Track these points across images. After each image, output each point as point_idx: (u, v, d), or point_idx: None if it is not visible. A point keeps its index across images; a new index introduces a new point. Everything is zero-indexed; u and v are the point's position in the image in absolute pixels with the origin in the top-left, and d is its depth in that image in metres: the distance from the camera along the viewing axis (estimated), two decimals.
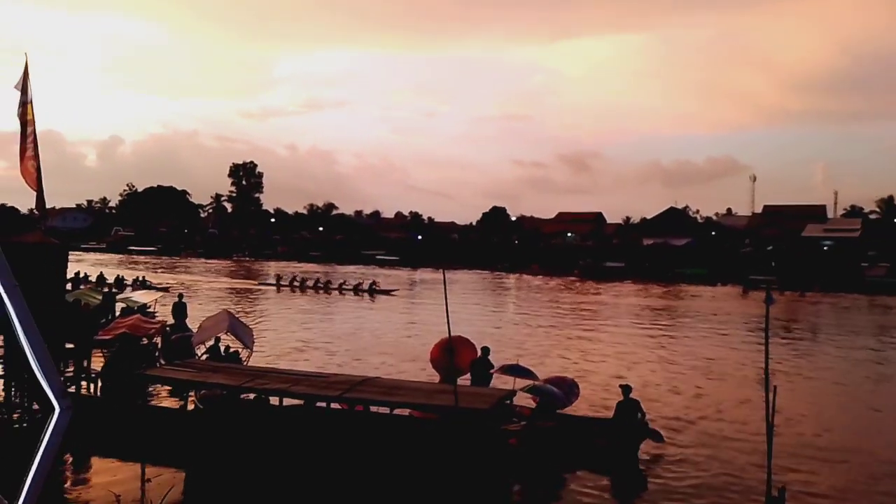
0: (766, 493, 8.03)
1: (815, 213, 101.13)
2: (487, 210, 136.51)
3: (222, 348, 16.62)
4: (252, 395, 12.30)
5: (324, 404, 11.12)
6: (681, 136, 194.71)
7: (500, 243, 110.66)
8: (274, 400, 11.66)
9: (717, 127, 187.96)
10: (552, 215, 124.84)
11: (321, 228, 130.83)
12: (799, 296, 58.09)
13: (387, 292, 49.65)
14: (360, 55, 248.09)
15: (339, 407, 11.24)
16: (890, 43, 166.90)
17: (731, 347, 27.26)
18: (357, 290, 49.57)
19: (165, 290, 43.02)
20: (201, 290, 47.29)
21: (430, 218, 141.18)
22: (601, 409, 14.74)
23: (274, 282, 54.30)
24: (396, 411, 11.31)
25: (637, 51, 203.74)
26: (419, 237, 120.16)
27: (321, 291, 50.10)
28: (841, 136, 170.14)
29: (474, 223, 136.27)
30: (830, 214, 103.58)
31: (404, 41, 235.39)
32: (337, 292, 49.41)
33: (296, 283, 52.90)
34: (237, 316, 19.17)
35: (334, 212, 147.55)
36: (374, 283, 51.19)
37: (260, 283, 55.41)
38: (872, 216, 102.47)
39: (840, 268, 76.45)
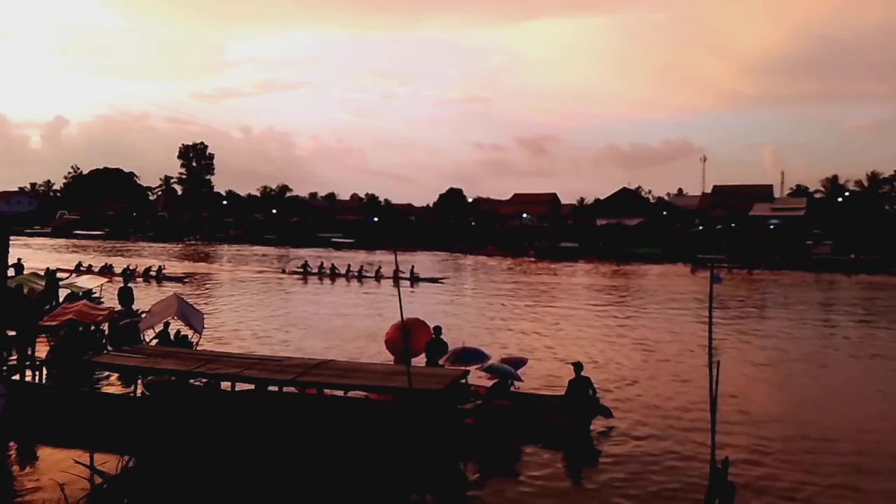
0: (710, 464, 8.28)
1: (763, 192, 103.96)
2: (445, 192, 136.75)
3: (172, 333, 16.33)
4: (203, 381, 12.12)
5: (276, 388, 11.03)
6: (638, 120, 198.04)
7: (457, 225, 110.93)
8: (226, 385, 11.52)
9: (673, 110, 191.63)
10: (510, 197, 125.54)
11: (275, 211, 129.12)
12: (747, 273, 59.77)
13: (434, 280, 46.62)
14: (318, 36, 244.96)
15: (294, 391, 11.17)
16: (841, 27, 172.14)
17: (677, 325, 27.92)
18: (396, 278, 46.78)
19: (182, 280, 41.78)
20: (224, 280, 45.51)
21: (386, 200, 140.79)
22: (554, 387, 14.97)
23: (300, 269, 51.38)
24: (351, 394, 11.29)
25: (596, 34, 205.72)
26: (375, 219, 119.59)
27: (353, 280, 46.97)
28: (791, 118, 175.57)
29: (431, 205, 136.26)
30: (777, 194, 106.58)
31: (362, 22, 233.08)
32: (374, 280, 46.29)
33: (325, 271, 50.03)
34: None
35: (288, 194, 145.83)
36: (412, 270, 47.61)
37: (284, 270, 52.49)
38: (817, 195, 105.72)
39: (786, 246, 78.92)
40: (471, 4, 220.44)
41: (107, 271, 42.50)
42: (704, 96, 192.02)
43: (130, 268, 42.92)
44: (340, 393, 11.20)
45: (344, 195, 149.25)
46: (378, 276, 46.76)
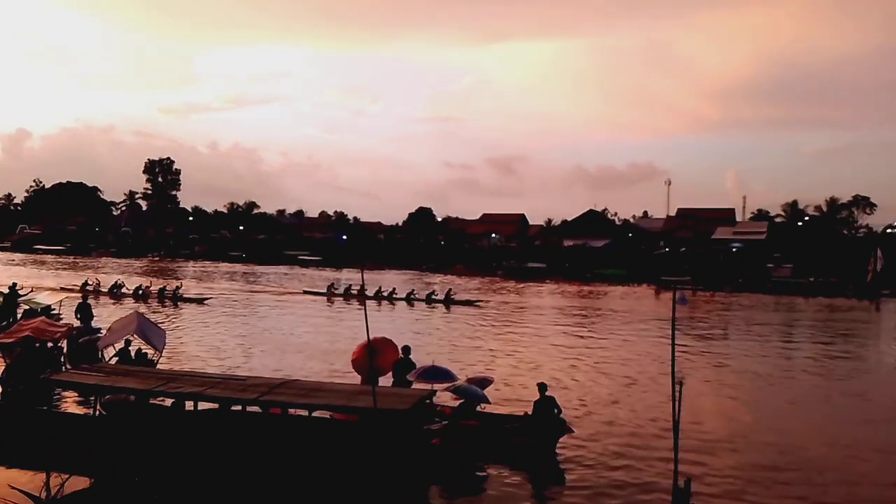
0: (672, 484, 8.38)
1: (725, 216, 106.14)
2: (414, 211, 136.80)
3: (133, 351, 16.01)
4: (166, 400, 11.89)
5: (239, 408, 10.87)
6: (605, 142, 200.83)
7: (426, 243, 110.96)
8: (189, 404, 11.32)
9: (639, 134, 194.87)
10: (478, 217, 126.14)
11: (241, 228, 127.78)
12: (710, 296, 60.73)
13: (469, 303, 44.70)
14: (288, 52, 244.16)
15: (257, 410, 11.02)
16: (801, 55, 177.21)
17: (641, 346, 28.23)
18: (430, 300, 44.87)
19: (201, 301, 39.41)
20: (250, 301, 43.11)
21: (355, 218, 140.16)
22: (519, 407, 15.00)
23: (325, 290, 48.35)
24: (316, 414, 11.18)
25: (565, 58, 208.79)
26: (344, 237, 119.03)
27: (383, 301, 44.78)
28: (753, 143, 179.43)
29: (401, 223, 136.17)
30: (739, 217, 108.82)
31: (333, 39, 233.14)
32: (405, 303, 44.56)
33: (352, 292, 47.19)
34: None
35: (256, 211, 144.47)
36: (450, 291, 46.60)
37: (307, 292, 49.22)
38: (778, 219, 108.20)
39: (748, 269, 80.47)
40: (442, 25, 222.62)
41: (116, 290, 41.01)
42: (670, 120, 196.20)
43: (144, 287, 41.07)
44: (305, 413, 11.08)
45: (312, 212, 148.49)
46: (431, 300, 44.78)
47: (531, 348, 26.58)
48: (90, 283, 42.42)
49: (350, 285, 48.89)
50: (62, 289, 40.93)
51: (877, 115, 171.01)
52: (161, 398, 11.60)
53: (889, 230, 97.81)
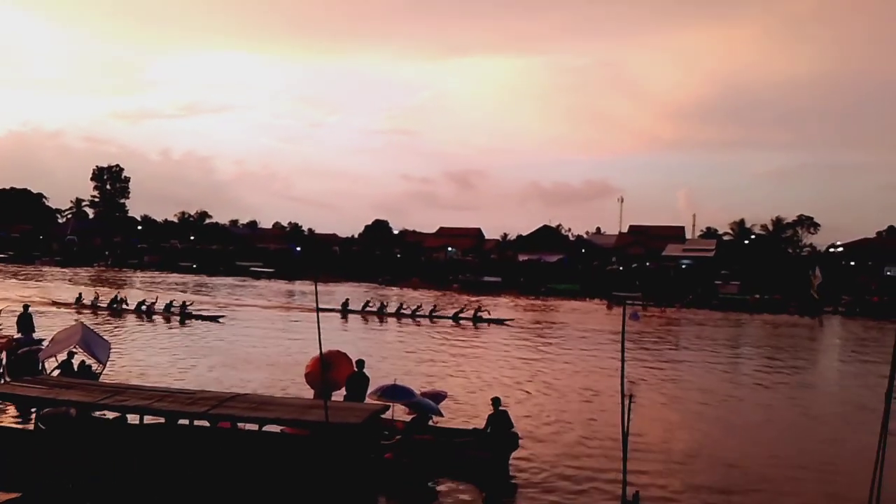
0: (622, 496, 8.49)
1: (676, 233, 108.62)
2: (371, 223, 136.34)
3: (76, 363, 15.53)
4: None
5: (187, 422, 10.63)
6: (561, 159, 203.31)
7: (382, 256, 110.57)
8: (134, 418, 11.03)
9: (594, 151, 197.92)
10: (435, 230, 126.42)
11: (192, 238, 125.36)
12: (660, 312, 61.91)
13: (499, 321, 43.23)
14: (245, 59, 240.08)
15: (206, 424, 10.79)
16: (751, 78, 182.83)
17: (593, 360, 28.61)
18: (457, 318, 43.37)
19: (215, 318, 36.92)
20: (253, 318, 40.14)
21: (310, 229, 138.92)
22: (473, 421, 15.02)
23: (339, 308, 44.90)
24: (267, 428, 11.00)
25: (524, 74, 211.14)
26: (298, 249, 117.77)
27: (403, 318, 43.46)
28: (704, 163, 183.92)
29: (357, 236, 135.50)
30: (689, 235, 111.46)
31: (292, 48, 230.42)
32: (427, 320, 43.14)
33: (370, 308, 45.17)
34: None
35: (208, 220, 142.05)
36: (479, 308, 45.27)
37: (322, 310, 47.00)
38: (726, 238, 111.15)
39: (697, 285, 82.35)
40: (402, 38, 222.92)
41: (116, 304, 39.11)
42: (624, 139, 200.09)
43: (147, 303, 38.65)
44: (255, 427, 10.89)
45: (266, 223, 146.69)
46: (457, 318, 43.55)
47: (486, 362, 26.66)
48: (96, 298, 40.14)
49: (367, 301, 47.15)
50: (55, 303, 39.50)
51: (821, 139, 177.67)
52: (104, 412, 11.28)
53: (831, 249, 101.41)
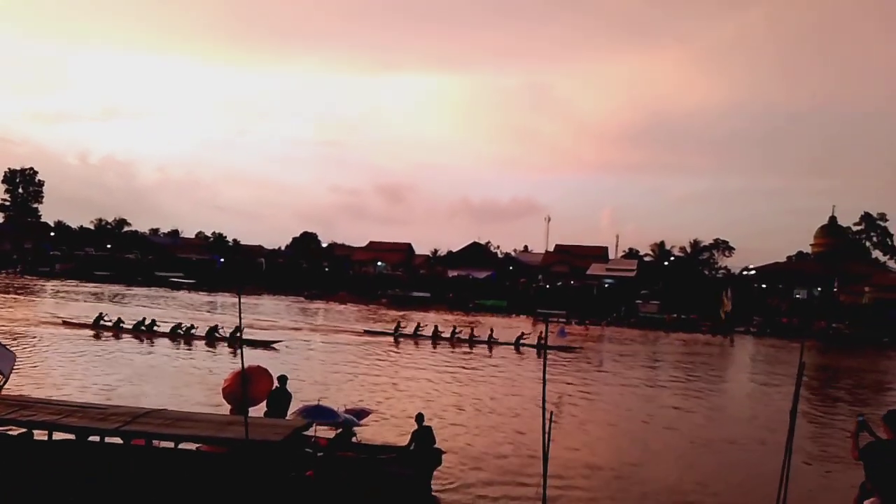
0: None
1: (599, 253, 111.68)
2: (298, 235, 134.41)
3: None
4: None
5: (98, 438, 10.16)
6: (490, 177, 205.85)
7: (310, 269, 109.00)
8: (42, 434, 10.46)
9: (523, 171, 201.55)
10: (365, 243, 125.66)
11: (109, 246, 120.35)
12: (584, 329, 63.33)
13: (569, 349, 41.16)
14: (171, 63, 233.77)
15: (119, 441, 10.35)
16: (671, 105, 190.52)
17: (517, 377, 28.98)
18: (518, 344, 41.47)
19: (268, 345, 33.47)
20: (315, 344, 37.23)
21: (235, 240, 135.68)
22: (397, 438, 14.95)
23: (391, 330, 44.10)
24: (183, 445, 10.63)
25: (456, 92, 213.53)
26: (221, 259, 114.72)
27: (454, 343, 42.13)
28: (627, 185, 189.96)
29: (284, 247, 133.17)
30: (612, 255, 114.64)
31: (220, 53, 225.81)
32: (486, 346, 41.59)
33: (421, 331, 44.09)
34: None
35: (126, 228, 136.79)
36: (522, 334, 42.98)
37: (368, 332, 44.54)
38: (647, 258, 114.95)
39: (619, 303, 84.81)
40: (336, 50, 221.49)
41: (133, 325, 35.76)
42: (551, 159, 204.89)
43: (187, 326, 35.13)
44: (171, 444, 10.52)
45: (189, 232, 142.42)
46: (491, 342, 42.43)
47: (412, 379, 26.59)
48: (107, 317, 36.83)
49: (419, 324, 46.47)
50: (65, 323, 36.44)
51: (737, 165, 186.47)
52: (9, 427, 10.66)
53: (745, 272, 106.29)
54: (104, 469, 9.99)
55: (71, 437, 10.33)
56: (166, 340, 33.64)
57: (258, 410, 13.41)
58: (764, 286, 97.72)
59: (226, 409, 13.73)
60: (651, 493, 13.50)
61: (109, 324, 36.16)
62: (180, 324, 36.20)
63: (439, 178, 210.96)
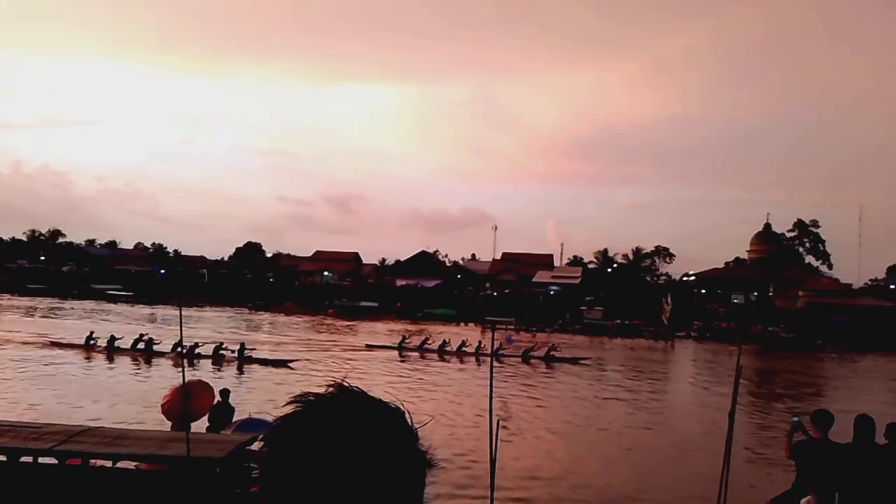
0: None
1: (545, 261, 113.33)
2: (242, 245, 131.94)
3: None
4: None
5: (31, 459, 9.73)
6: (439, 187, 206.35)
7: (254, 280, 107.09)
8: None
9: (471, 180, 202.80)
10: (312, 254, 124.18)
11: (43, 258, 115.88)
12: (532, 337, 63.97)
13: (574, 361, 40.45)
14: (113, 71, 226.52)
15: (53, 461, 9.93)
16: (616, 117, 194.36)
17: (467, 385, 29.06)
18: (526, 356, 40.01)
19: (283, 363, 31.17)
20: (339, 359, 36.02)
21: (176, 251, 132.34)
22: None
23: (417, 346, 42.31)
24: (121, 464, 10.27)
25: (404, 102, 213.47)
26: (162, 271, 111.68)
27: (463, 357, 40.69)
28: (572, 194, 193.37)
29: (227, 258, 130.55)
30: (557, 263, 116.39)
31: (165, 62, 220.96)
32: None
33: (428, 346, 42.00)
34: None
35: (61, 239, 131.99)
36: (553, 346, 42.05)
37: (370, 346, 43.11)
38: (591, 266, 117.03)
39: (565, 310, 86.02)
40: (284, 60, 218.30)
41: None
42: (499, 170, 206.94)
43: (194, 344, 31.91)
44: (109, 463, 10.15)
45: (128, 243, 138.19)
46: (479, 354, 41.04)
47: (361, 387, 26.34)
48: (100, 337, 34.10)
49: (427, 338, 44.50)
50: (52, 343, 34.14)
51: (677, 175, 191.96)
52: None
53: (685, 278, 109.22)
54: (38, 491, 9.57)
55: (2, 458, 9.87)
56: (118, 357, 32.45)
57: (200, 426, 13.11)
58: (703, 291, 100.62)
59: (167, 425, 13.36)
60: (595, 497, 13.70)
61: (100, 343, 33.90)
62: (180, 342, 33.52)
63: (390, 188, 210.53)
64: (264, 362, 30.92)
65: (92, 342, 33.95)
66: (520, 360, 39.55)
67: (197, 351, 31.65)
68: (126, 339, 33.86)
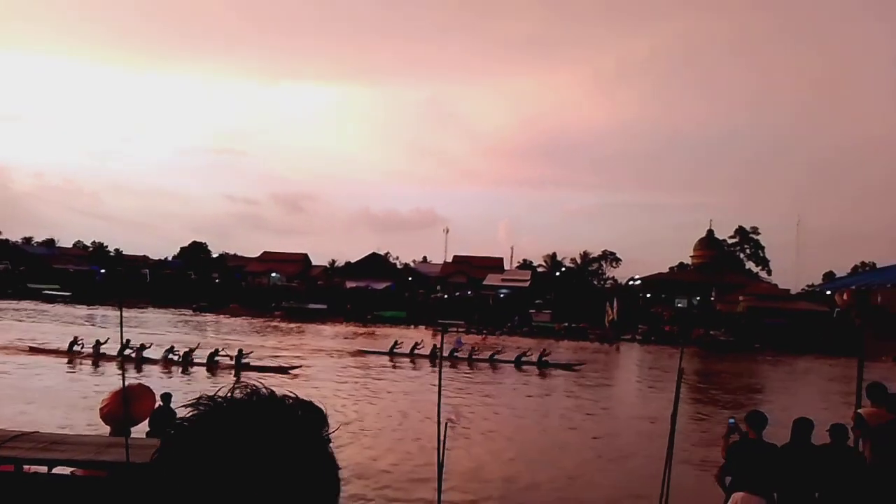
0: None
1: (495, 264, 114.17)
2: (187, 245, 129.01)
3: None
4: None
5: None
6: (391, 188, 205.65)
7: (199, 280, 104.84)
8: None
9: (423, 182, 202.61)
10: (259, 254, 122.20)
11: None
12: (482, 339, 64.31)
13: (568, 367, 40.17)
14: (52, 64, 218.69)
15: None
16: (565, 123, 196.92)
17: (415, 386, 29.04)
18: (518, 363, 39.70)
19: (284, 370, 29.84)
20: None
21: (117, 250, 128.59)
22: None
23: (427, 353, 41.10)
24: (57, 470, 9.92)
25: (356, 102, 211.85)
26: (101, 271, 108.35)
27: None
28: (523, 198, 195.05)
29: (171, 258, 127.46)
30: (507, 266, 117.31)
31: (101, 55, 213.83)
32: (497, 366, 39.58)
33: (457, 355, 39.97)
34: None
35: None
36: (544, 350, 41.78)
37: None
38: (540, 269, 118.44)
39: (514, 313, 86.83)
40: (232, 58, 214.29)
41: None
42: (450, 172, 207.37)
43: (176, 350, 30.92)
44: (44, 469, 9.79)
45: (67, 242, 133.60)
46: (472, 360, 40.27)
47: (311, 391, 26.04)
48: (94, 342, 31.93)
49: (434, 346, 43.03)
50: (32, 349, 32.12)
51: (625, 181, 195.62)
52: None
53: (631, 282, 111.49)
54: None
55: None
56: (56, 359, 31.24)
57: (141, 431, 12.75)
58: (648, 295, 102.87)
59: (106, 430, 12.96)
60: (543, 498, 13.86)
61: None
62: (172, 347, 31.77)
63: (340, 189, 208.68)
64: (263, 369, 29.57)
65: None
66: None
67: (191, 358, 30.82)
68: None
